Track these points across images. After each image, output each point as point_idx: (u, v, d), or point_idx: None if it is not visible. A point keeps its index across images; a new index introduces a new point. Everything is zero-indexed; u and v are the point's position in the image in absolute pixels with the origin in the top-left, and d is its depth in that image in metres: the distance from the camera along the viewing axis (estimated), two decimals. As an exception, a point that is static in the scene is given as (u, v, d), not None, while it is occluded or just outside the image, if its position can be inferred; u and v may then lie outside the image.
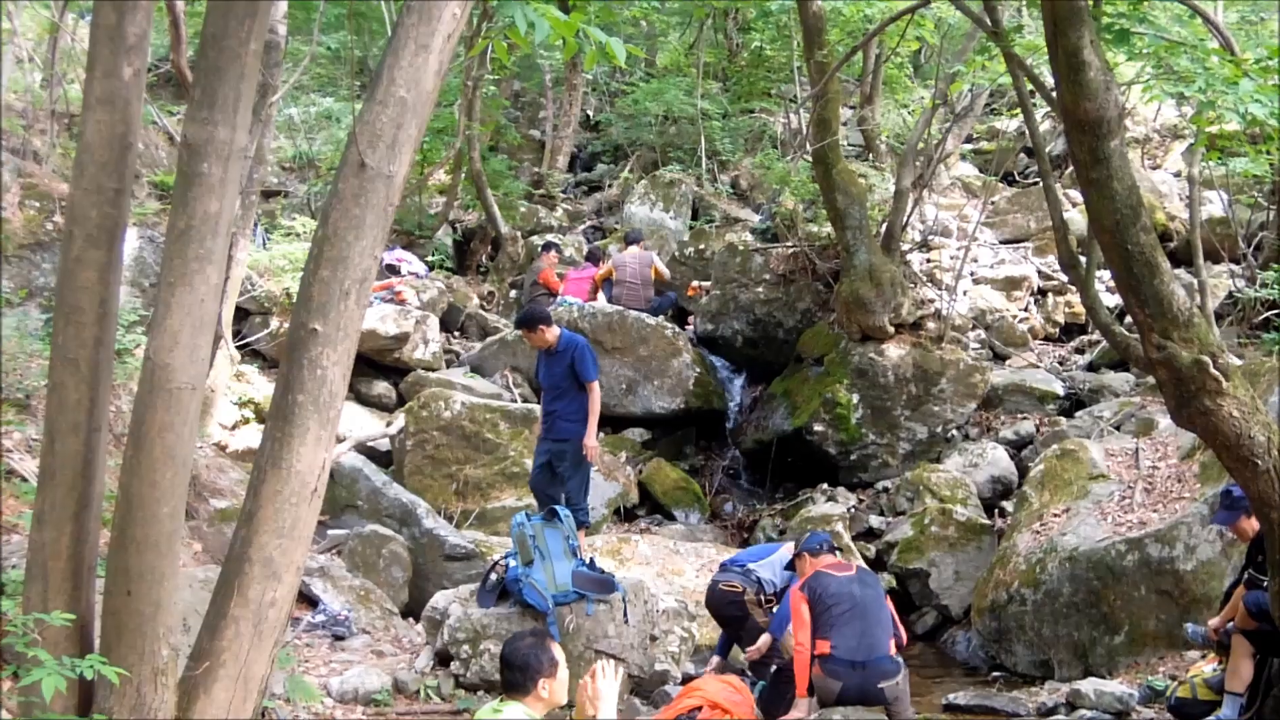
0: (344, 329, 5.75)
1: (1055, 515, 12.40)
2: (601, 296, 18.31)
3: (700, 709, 8.51)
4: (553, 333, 11.23)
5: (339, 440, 13.67)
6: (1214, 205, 19.21)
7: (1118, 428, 14.63)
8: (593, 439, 11.02)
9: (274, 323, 16.60)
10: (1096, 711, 9.79)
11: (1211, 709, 8.94)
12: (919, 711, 10.29)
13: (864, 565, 9.54)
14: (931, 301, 17.22)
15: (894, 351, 16.00)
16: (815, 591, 8.78)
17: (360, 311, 5.79)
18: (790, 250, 18.30)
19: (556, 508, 9.56)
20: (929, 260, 19.33)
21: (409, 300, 18.02)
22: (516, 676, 5.51)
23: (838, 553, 9.31)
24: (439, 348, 17.83)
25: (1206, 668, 9.29)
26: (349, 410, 15.60)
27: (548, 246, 20.10)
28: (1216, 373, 7.21)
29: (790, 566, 9.67)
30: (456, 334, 19.66)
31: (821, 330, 17.05)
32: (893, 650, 8.62)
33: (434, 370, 17.22)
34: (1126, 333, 8.73)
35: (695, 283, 19.62)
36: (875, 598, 8.83)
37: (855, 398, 15.91)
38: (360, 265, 5.76)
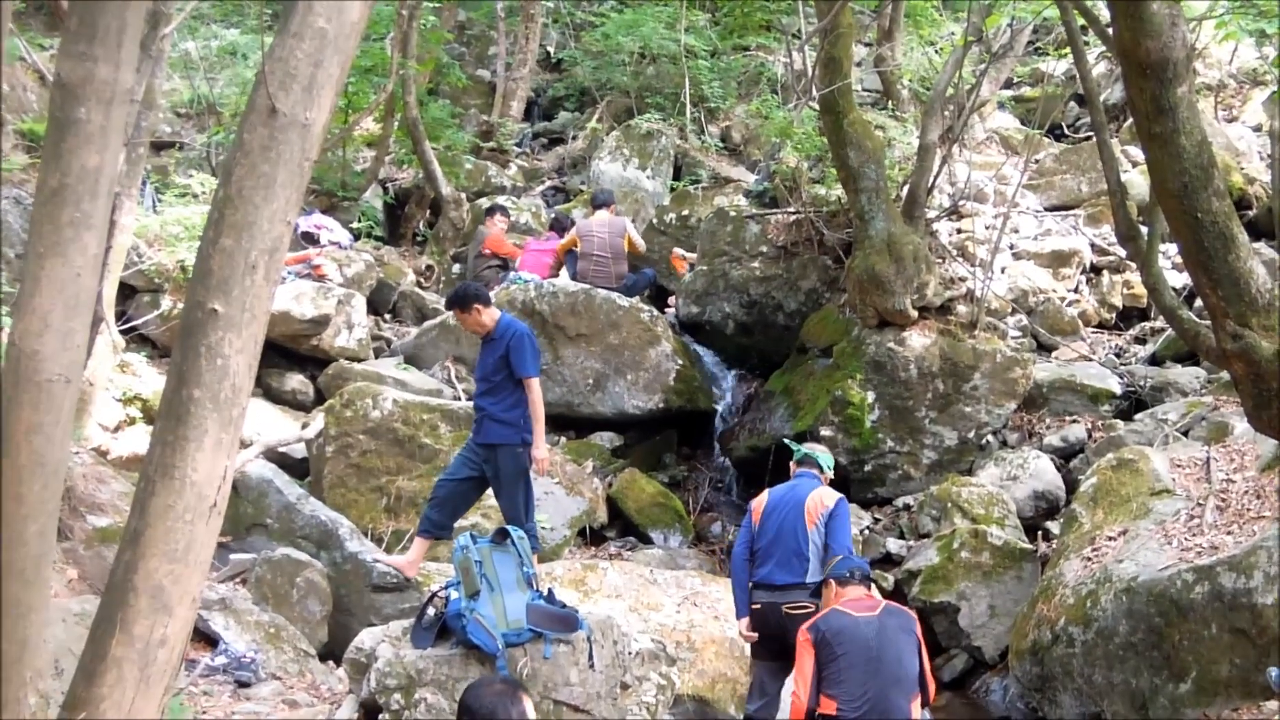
0: (250, 309, 5.74)
1: (1110, 538, 12.45)
2: (564, 273, 18.30)
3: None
4: (490, 314, 11.24)
5: (244, 445, 13.63)
6: (1303, 165, 19.31)
7: (1185, 433, 14.69)
8: (542, 448, 11.07)
9: (166, 302, 16.54)
10: (1158, 774, 9.87)
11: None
12: (945, 775, 10.38)
13: (892, 604, 9.53)
14: (963, 280, 17.27)
15: (917, 340, 16.05)
16: (824, 635, 8.79)
17: (270, 288, 5.78)
18: (792, 217, 18.34)
19: (509, 528, 9.54)
20: (960, 230, 19.38)
21: (330, 276, 18.00)
22: None
23: (871, 585, 9.29)
24: (366, 333, 17.82)
25: (1289, 722, 9.37)
26: (257, 409, 15.55)
27: (494, 210, 20.09)
28: (1303, 367, 7.26)
29: (817, 593, 9.69)
30: (387, 317, 19.66)
31: (830, 314, 17.09)
32: (915, 712, 8.63)
33: (360, 361, 17.21)
34: (1196, 319, 8.79)
35: (678, 252, 19.65)
36: (898, 646, 8.79)
37: (870, 396, 15.97)
38: (270, 233, 5.75)
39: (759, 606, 10.06)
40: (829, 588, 9.28)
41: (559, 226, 19.47)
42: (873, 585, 9.25)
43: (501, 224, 19.83)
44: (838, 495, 10.49)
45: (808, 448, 10.94)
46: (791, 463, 10.74)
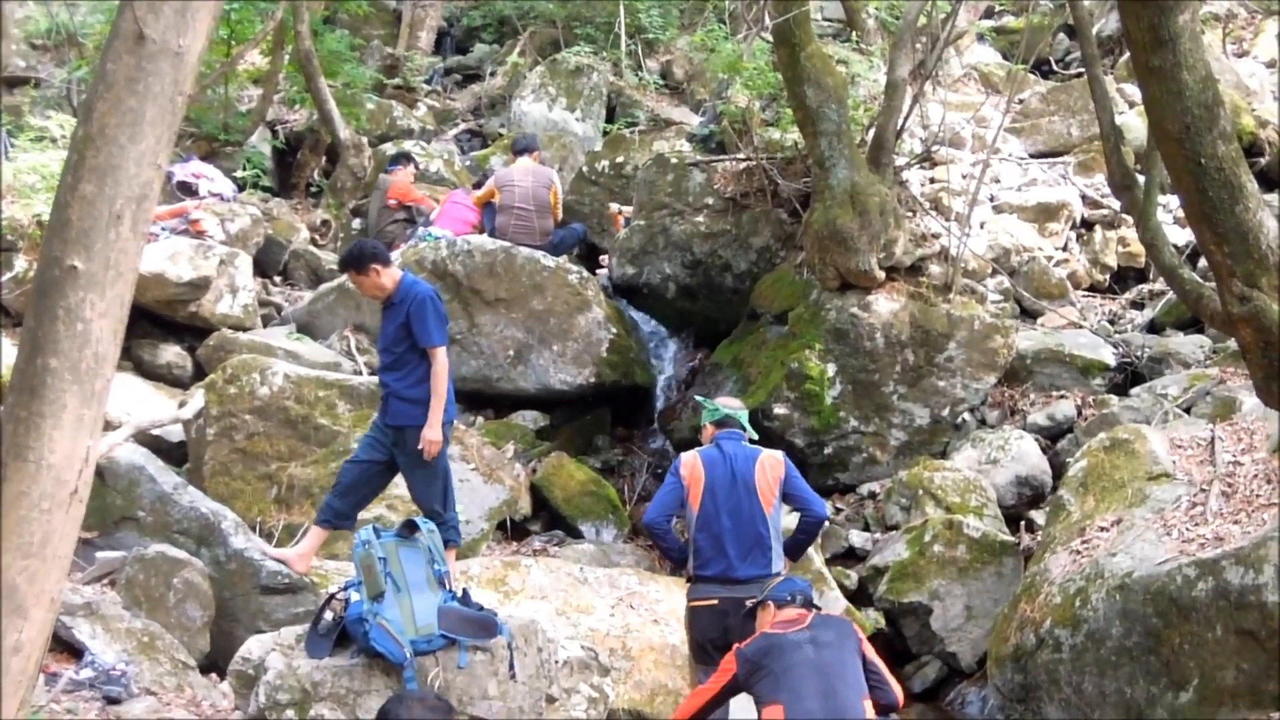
0: (115, 266, 5.71)
1: (1102, 529, 12.54)
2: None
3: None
4: (390, 276, 11.12)
5: (112, 427, 13.55)
6: (1320, 106, 19.47)
7: (1187, 410, 14.82)
8: (436, 429, 10.92)
9: (19, 263, 16.42)
10: (1154, 793, 9.97)
11: (1307, 788, 9.14)
12: (916, 795, 10.45)
13: (825, 613, 9.62)
14: (936, 237, 17.34)
15: (884, 305, 16.10)
16: (749, 658, 8.82)
17: (137, 242, 5.74)
18: (742, 165, 18.37)
19: (418, 520, 9.52)
20: (933, 180, 19.47)
21: (210, 232, 17.90)
22: None
23: (813, 609, 9.33)
24: (252, 298, 17.74)
25: (1303, 734, 9.48)
26: (127, 385, 15.47)
27: (399, 159, 20.04)
28: (1318, 333, 7.33)
29: (750, 615, 9.69)
30: (277, 279, 19.59)
31: (785, 276, 17.13)
32: (870, 712, 8.68)
33: (245, 330, 17.14)
34: (1199, 279, 8.86)
35: (614, 207, 19.66)
36: (838, 649, 8.86)
37: (831, 369, 16.03)
38: (138, 178, 5.72)
39: (715, 603, 10.04)
40: (766, 610, 9.31)
41: (480, 182, 19.43)
42: (813, 609, 9.28)
43: (409, 174, 19.77)
44: (779, 454, 10.56)
45: (724, 404, 10.90)
46: (708, 425, 10.65)
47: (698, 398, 10.78)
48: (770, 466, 10.34)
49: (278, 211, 20.57)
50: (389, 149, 22.49)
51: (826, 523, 10.62)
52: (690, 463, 10.28)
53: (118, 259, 5.68)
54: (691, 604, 10.11)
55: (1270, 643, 10.87)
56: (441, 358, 10.99)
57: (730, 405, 10.95)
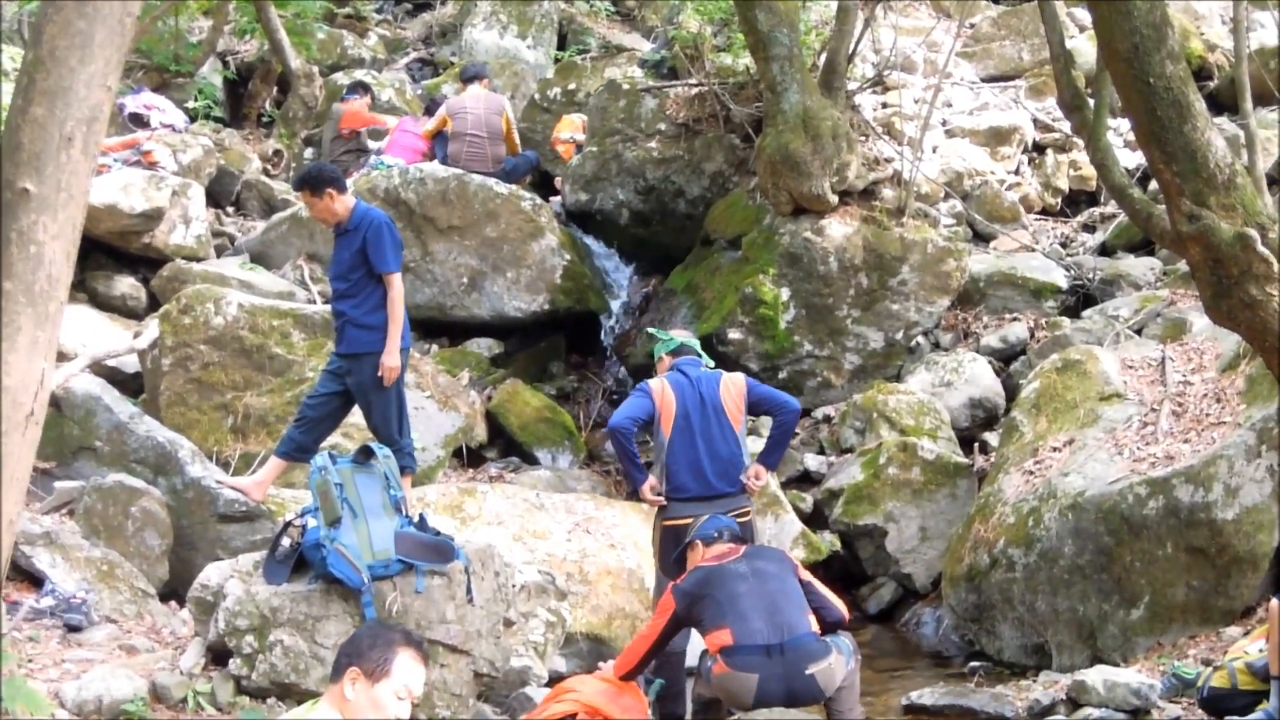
0: (66, 189, 5.69)
1: (1054, 449, 12.63)
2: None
3: (574, 717, 8.61)
4: (344, 202, 11.03)
5: (68, 358, 13.51)
6: (1268, 31, 19.49)
7: (1139, 331, 14.90)
8: (394, 355, 10.84)
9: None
10: (1106, 710, 10.03)
11: (1256, 700, 9.21)
12: (872, 715, 10.52)
13: (758, 545, 9.72)
14: (889, 161, 17.36)
15: (838, 229, 16.12)
16: (687, 592, 8.85)
17: (89, 164, 5.72)
18: (694, 90, 18.33)
19: (373, 446, 9.50)
20: (885, 105, 19.48)
21: (162, 163, 17.78)
22: (339, 656, 5.48)
23: (742, 543, 9.36)
24: (205, 229, 17.64)
25: (1251, 647, 9.55)
26: (82, 317, 15.40)
27: (356, 88, 19.96)
28: (1265, 251, 7.38)
29: (679, 560, 9.70)
30: (230, 209, 19.49)
31: (738, 201, 17.14)
32: (815, 628, 8.73)
33: (199, 260, 17.04)
34: (1148, 199, 8.90)
35: (565, 134, 19.60)
36: (777, 574, 8.90)
37: (785, 293, 16.06)
38: (88, 100, 5.70)
39: (688, 522, 10.05)
40: (695, 549, 9.33)
41: (430, 109, 19.34)
42: (741, 544, 9.31)
43: (364, 104, 19.68)
44: (738, 375, 10.60)
45: (678, 334, 10.88)
46: (664, 355, 10.55)
47: (650, 330, 10.74)
48: (733, 386, 10.36)
49: (229, 142, 20.45)
50: (340, 78, 22.38)
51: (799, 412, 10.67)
52: (659, 389, 10.22)
53: (69, 181, 5.67)
54: (668, 524, 10.08)
55: (1220, 559, 11.01)
56: (398, 284, 10.90)
57: (681, 335, 10.94)
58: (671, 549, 9.91)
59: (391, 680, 5.60)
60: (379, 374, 10.83)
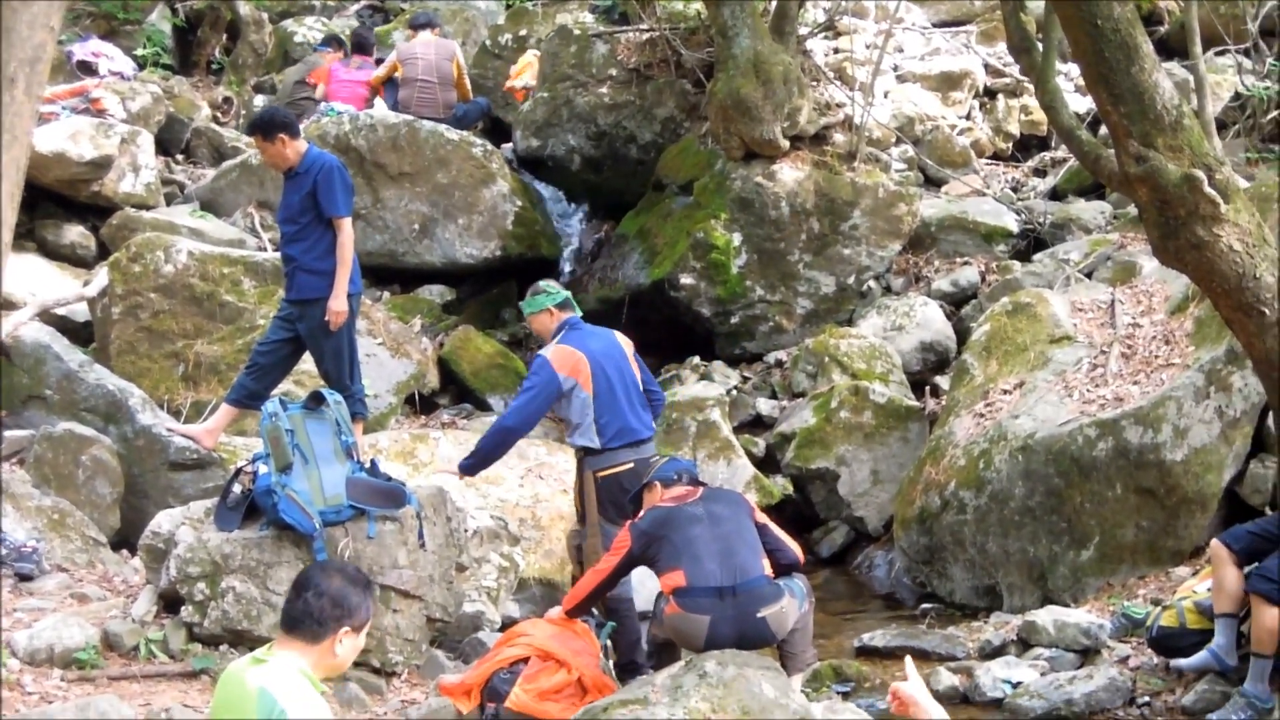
0: (10, 130, 5.64)
1: (1005, 392, 12.68)
2: (381, 103, 18.13)
3: (526, 661, 8.64)
4: (296, 147, 10.99)
5: (17, 306, 13.47)
6: (1218, -28, 19.51)
7: (1089, 275, 14.93)
8: (341, 300, 10.73)
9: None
10: (1057, 649, 10.14)
11: (1205, 639, 9.30)
12: (824, 657, 10.57)
13: (716, 487, 9.77)
14: (840, 106, 17.36)
15: (789, 174, 16.12)
16: (643, 531, 8.86)
17: (32, 105, 5.67)
18: (645, 36, 18.28)
19: (323, 391, 9.49)
20: (837, 50, 19.45)
21: (111, 111, 17.68)
22: (317, 612, 5.44)
23: (700, 485, 9.36)
24: (155, 177, 17.54)
25: (1199, 587, 9.64)
26: (31, 266, 15.34)
27: (330, 41, 19.86)
28: (1212, 191, 7.40)
29: (636, 500, 9.71)
30: (180, 157, 19.40)
31: (689, 146, 17.11)
32: (769, 570, 8.76)
33: (149, 208, 16.95)
34: (1096, 141, 8.92)
35: (517, 82, 19.54)
36: (733, 517, 8.92)
37: (737, 238, 16.06)
38: (30, 40, 5.63)
39: (631, 465, 10.02)
40: (653, 489, 9.32)
41: (364, 47, 19.18)
42: (700, 486, 9.32)
43: (335, 58, 19.53)
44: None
45: (547, 285, 10.73)
46: (551, 307, 10.39)
47: (540, 283, 10.57)
48: (626, 342, 10.37)
49: (179, 89, 20.32)
50: (291, 28, 22.29)
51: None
52: (563, 357, 9.96)
53: (13, 122, 5.61)
54: (607, 472, 10.02)
55: (1168, 500, 11.09)
56: (348, 228, 10.81)
57: (553, 286, 10.77)
58: (611, 496, 9.93)
59: (368, 624, 5.62)
60: (327, 319, 10.76)
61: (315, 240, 10.78)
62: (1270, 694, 8.93)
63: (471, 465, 9.97)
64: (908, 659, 5.82)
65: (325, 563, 5.61)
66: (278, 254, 13.04)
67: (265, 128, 10.84)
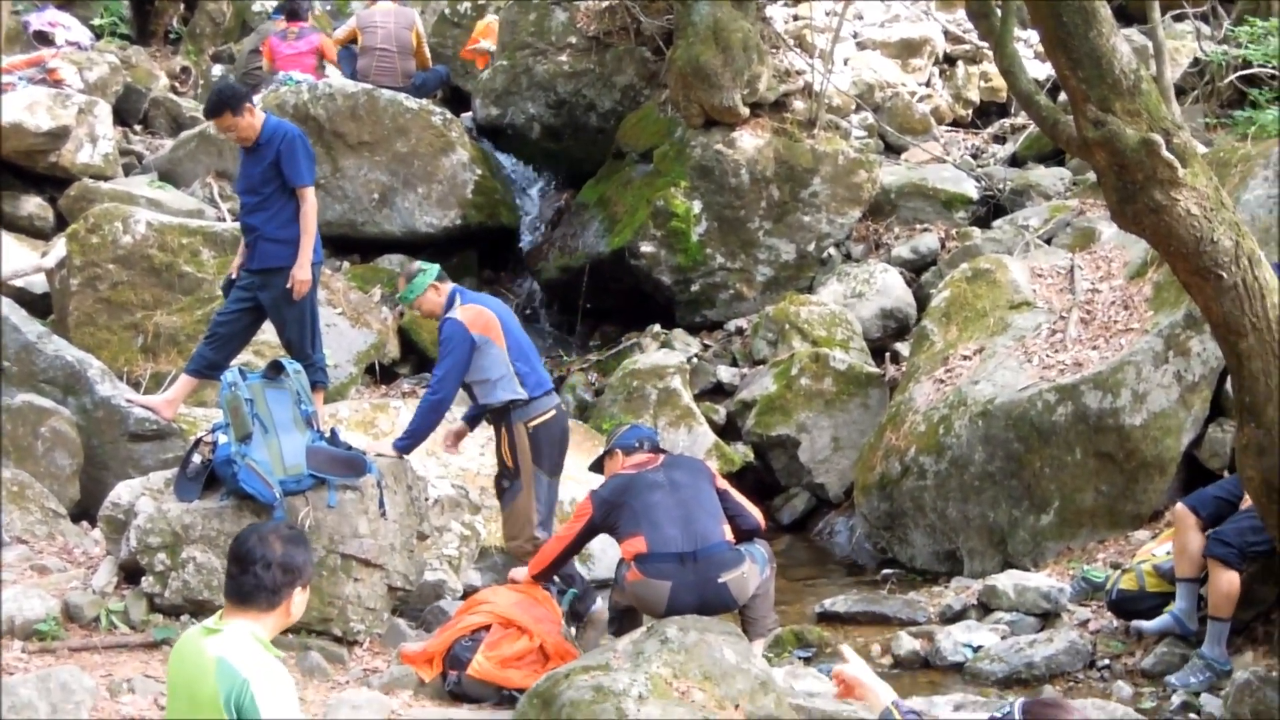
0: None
1: (964, 357, 12.71)
2: (334, 71, 18.03)
3: (488, 629, 8.65)
4: (253, 120, 10.97)
5: (-28, 278, 13.43)
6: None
7: (1048, 240, 14.98)
8: (305, 269, 10.74)
9: None
10: (1017, 613, 10.19)
11: (1164, 602, 9.36)
12: (786, 623, 10.60)
13: (676, 454, 9.79)
14: (800, 73, 17.33)
15: (749, 141, 16.12)
16: (605, 499, 8.87)
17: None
18: (605, 3, 18.23)
19: (282, 361, 9.46)
20: (796, 17, 19.45)
21: (68, 81, 17.59)
22: (269, 583, 5.44)
23: (661, 452, 9.38)
24: (113, 147, 17.48)
25: (1158, 550, 9.69)
26: (-13, 237, 15.28)
27: (283, 10, 19.72)
28: (1169, 156, 7.41)
29: (598, 467, 9.72)
30: (138, 128, 19.33)
31: (649, 114, 17.10)
32: (729, 536, 8.77)
33: (107, 179, 16.89)
34: (1055, 106, 8.94)
35: (481, 46, 19.47)
36: (693, 484, 8.93)
37: (697, 206, 16.05)
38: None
39: (554, 412, 10.09)
40: (614, 457, 9.35)
41: (296, 13, 18.91)
42: (661, 454, 9.33)
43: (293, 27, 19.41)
44: None
45: (419, 264, 10.64)
46: (435, 282, 10.32)
47: (409, 265, 10.54)
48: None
49: (136, 59, 20.25)
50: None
51: None
52: (474, 316, 9.90)
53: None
54: (537, 420, 9.98)
55: (1128, 465, 11.15)
56: (311, 197, 10.82)
57: (423, 263, 10.71)
58: (544, 444, 9.95)
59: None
60: (290, 288, 10.73)
61: (278, 210, 10.77)
62: (1227, 657, 8.99)
63: (406, 445, 9.95)
64: (843, 646, 5.88)
65: (258, 528, 5.55)
66: (237, 224, 13.00)
67: (232, 102, 10.76)
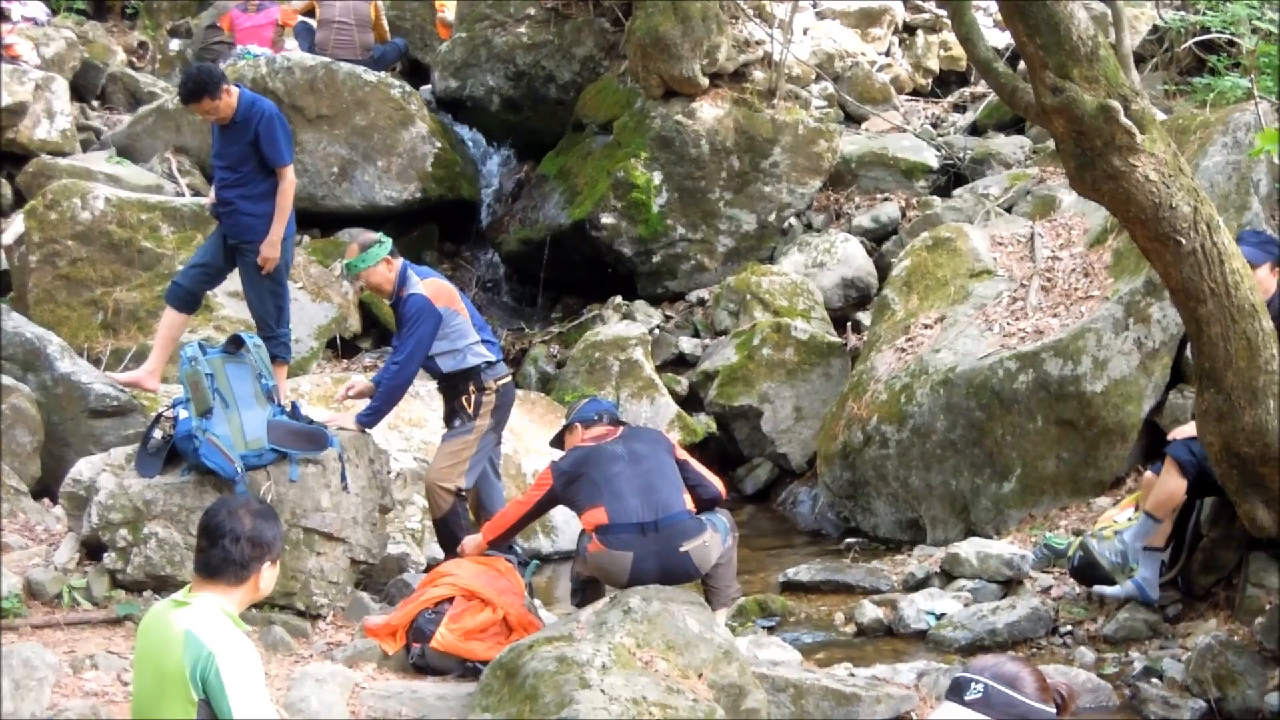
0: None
1: (925, 326, 12.75)
2: (293, 44, 17.96)
3: (451, 601, 8.65)
4: (231, 100, 10.93)
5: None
6: (1136, -94, 19.57)
7: (1008, 209, 15.03)
8: (275, 246, 10.77)
9: None
10: (980, 580, 10.23)
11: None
12: (749, 592, 10.62)
13: (636, 426, 9.84)
14: (759, 43, 17.32)
15: (709, 112, 16.11)
16: (564, 471, 8.87)
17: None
18: (564, -26, 18.22)
19: (242, 335, 9.43)
20: (755, -14, 19.44)
21: (24, 56, 17.50)
22: (238, 557, 5.45)
23: (620, 424, 9.38)
24: (70, 123, 17.38)
25: (1120, 516, 9.73)
26: (-56, 214, 15.20)
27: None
28: (1128, 122, 7.44)
29: (558, 442, 9.74)
30: (95, 103, 19.21)
31: (609, 85, 17.08)
32: (689, 505, 8.78)
33: (65, 155, 16.80)
34: (1013, 73, 8.95)
35: (443, 16, 19.42)
36: (653, 455, 8.94)
37: (657, 177, 16.05)
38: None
39: (509, 377, 10.27)
40: (574, 430, 9.35)
41: None
42: (621, 427, 9.34)
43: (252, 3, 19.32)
44: None
45: (375, 235, 10.68)
46: (388, 256, 10.28)
47: (361, 236, 10.53)
48: None
49: (93, 34, 20.13)
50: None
51: None
52: (438, 290, 9.92)
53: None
54: (503, 380, 10.04)
55: (1089, 431, 11.20)
56: (290, 175, 10.87)
57: (378, 235, 10.74)
58: (505, 405, 10.03)
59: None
60: (259, 261, 10.74)
61: (255, 184, 10.79)
62: (1158, 589, 9.14)
63: (369, 420, 9.95)
64: None
65: (227, 502, 5.57)
66: (197, 199, 13.01)
67: (210, 87, 10.70)
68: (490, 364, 9.98)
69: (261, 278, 10.81)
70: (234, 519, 5.48)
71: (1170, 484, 8.93)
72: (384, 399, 9.95)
